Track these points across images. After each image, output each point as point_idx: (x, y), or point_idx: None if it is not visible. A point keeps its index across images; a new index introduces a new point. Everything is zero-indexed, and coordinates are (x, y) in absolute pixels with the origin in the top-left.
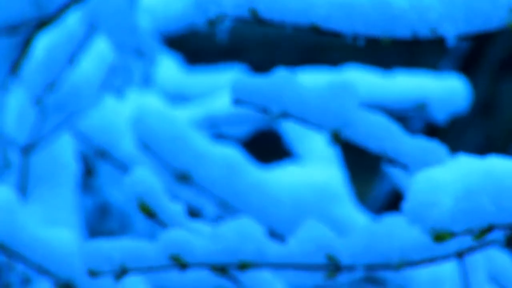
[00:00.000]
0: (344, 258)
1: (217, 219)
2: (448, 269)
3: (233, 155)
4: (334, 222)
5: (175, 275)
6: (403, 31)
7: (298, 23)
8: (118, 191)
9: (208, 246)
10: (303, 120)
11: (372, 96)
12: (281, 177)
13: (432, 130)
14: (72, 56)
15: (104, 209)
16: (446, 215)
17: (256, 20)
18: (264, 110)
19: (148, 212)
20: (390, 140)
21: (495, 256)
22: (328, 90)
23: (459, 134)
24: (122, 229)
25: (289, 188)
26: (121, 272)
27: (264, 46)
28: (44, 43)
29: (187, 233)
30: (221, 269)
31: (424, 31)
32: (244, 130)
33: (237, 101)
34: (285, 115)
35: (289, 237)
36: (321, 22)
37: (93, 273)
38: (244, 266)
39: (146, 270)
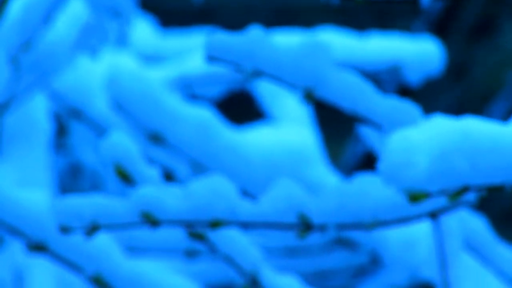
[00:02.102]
0: (316, 217)
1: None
2: (420, 232)
3: (206, 116)
4: (307, 184)
5: (146, 235)
6: None
7: None
8: (91, 151)
9: (180, 203)
10: (277, 79)
11: (345, 58)
12: (254, 138)
13: (405, 92)
14: (48, 16)
15: (76, 169)
16: (421, 175)
17: None
18: (238, 68)
19: (124, 176)
20: (364, 100)
21: (468, 220)
22: (301, 49)
23: (432, 97)
24: (94, 189)
25: (261, 150)
26: (92, 229)
27: (238, 8)
28: (20, 2)
29: (158, 191)
30: (192, 226)
31: None
32: (217, 90)
33: (211, 58)
34: (259, 73)
35: (261, 196)
36: None
37: (64, 229)
38: (215, 224)
39: (117, 227)
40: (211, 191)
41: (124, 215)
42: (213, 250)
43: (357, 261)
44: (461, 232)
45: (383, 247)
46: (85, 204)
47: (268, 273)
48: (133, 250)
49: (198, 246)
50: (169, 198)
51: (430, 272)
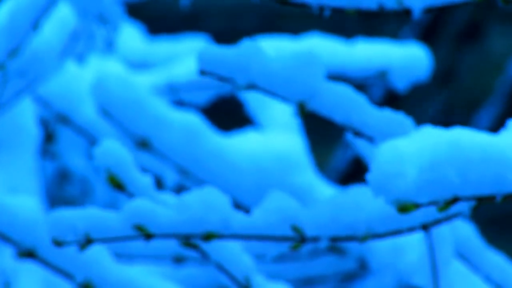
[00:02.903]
0: (309, 230)
1: (177, 187)
2: (408, 237)
3: (193, 121)
4: (295, 190)
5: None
6: (369, 4)
7: None
8: (78, 157)
9: (173, 216)
10: (269, 92)
11: (333, 64)
12: (242, 144)
13: (392, 98)
14: (36, 22)
15: (63, 175)
16: (410, 186)
17: None
18: (230, 82)
19: (117, 184)
20: (356, 112)
21: (458, 226)
22: (294, 61)
23: (420, 102)
24: (83, 195)
25: (249, 156)
26: (86, 242)
27: (225, 13)
28: (8, 8)
29: (151, 203)
30: (185, 239)
31: (390, 4)
32: (204, 97)
33: (203, 72)
34: (251, 86)
35: (254, 208)
36: None
37: (57, 243)
38: (208, 236)
39: (111, 240)
40: (204, 203)
41: (117, 228)
42: (205, 257)
43: (345, 267)
44: (452, 239)
45: (371, 253)
46: (78, 216)
47: (260, 281)
48: (122, 256)
49: (187, 252)
50: (162, 211)
51: (419, 278)
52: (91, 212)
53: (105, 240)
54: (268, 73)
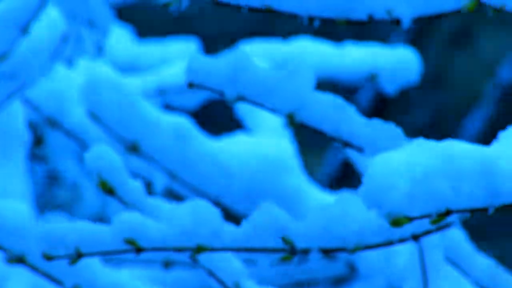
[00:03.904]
0: (300, 242)
1: (167, 191)
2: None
3: (182, 124)
4: (285, 194)
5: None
6: (358, 14)
7: (252, 5)
8: (68, 161)
9: (163, 229)
10: (258, 104)
11: (323, 67)
12: (232, 147)
13: (382, 102)
14: (25, 25)
15: (53, 179)
16: (403, 199)
17: (212, 1)
18: (219, 93)
19: (108, 189)
20: (345, 123)
21: (451, 234)
22: (282, 72)
23: (409, 106)
24: (72, 199)
25: (239, 159)
26: (76, 256)
27: (215, 16)
28: None
29: (141, 216)
30: (177, 252)
31: (380, 14)
32: (194, 101)
33: (191, 85)
34: (241, 98)
35: (244, 218)
36: (275, 5)
37: (48, 257)
38: (199, 249)
39: (101, 254)
40: (195, 216)
41: (108, 242)
42: (194, 263)
43: (335, 271)
44: (442, 244)
45: (361, 257)
46: (69, 229)
47: (250, 286)
48: (112, 260)
49: (177, 256)
50: (152, 224)
51: (409, 283)
52: (81, 225)
53: (95, 254)
54: (257, 84)
